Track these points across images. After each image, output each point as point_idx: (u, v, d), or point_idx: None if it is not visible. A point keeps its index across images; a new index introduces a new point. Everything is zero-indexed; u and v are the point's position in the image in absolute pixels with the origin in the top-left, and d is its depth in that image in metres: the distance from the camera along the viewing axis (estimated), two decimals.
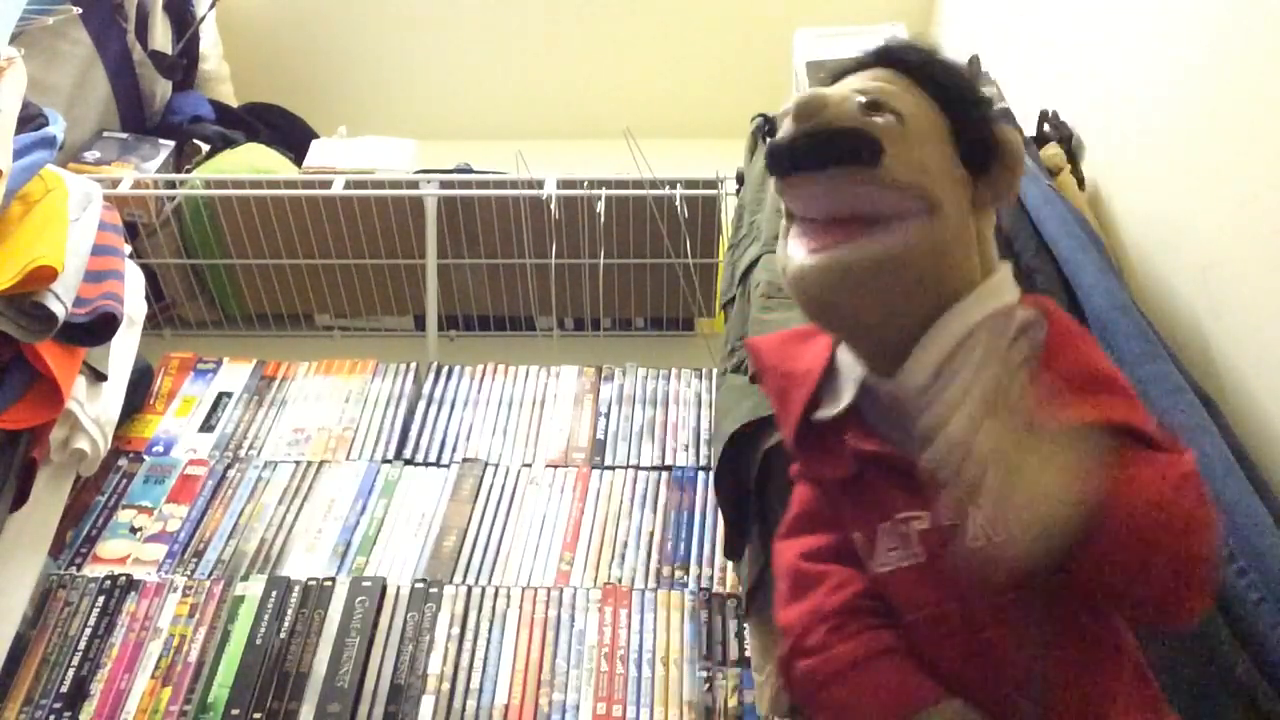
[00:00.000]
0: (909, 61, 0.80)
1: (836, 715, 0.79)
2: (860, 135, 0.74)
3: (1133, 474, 0.65)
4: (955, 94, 0.79)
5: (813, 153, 0.75)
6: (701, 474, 1.49)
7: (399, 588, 1.33)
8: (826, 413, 0.83)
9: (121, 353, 1.44)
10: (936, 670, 0.77)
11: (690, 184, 1.75)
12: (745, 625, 1.26)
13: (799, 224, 0.79)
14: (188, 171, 1.90)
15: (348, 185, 1.75)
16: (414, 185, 1.77)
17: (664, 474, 1.50)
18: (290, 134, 2.16)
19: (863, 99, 0.76)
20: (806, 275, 0.76)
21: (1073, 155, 1.50)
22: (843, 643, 0.79)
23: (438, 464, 1.53)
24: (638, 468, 1.51)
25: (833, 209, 0.76)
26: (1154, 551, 0.65)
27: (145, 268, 1.69)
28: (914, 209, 0.74)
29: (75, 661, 1.26)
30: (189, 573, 1.37)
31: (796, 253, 0.78)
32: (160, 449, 1.55)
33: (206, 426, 1.59)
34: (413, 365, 1.69)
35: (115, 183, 1.73)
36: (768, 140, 0.80)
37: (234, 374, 1.68)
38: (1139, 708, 0.76)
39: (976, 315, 0.76)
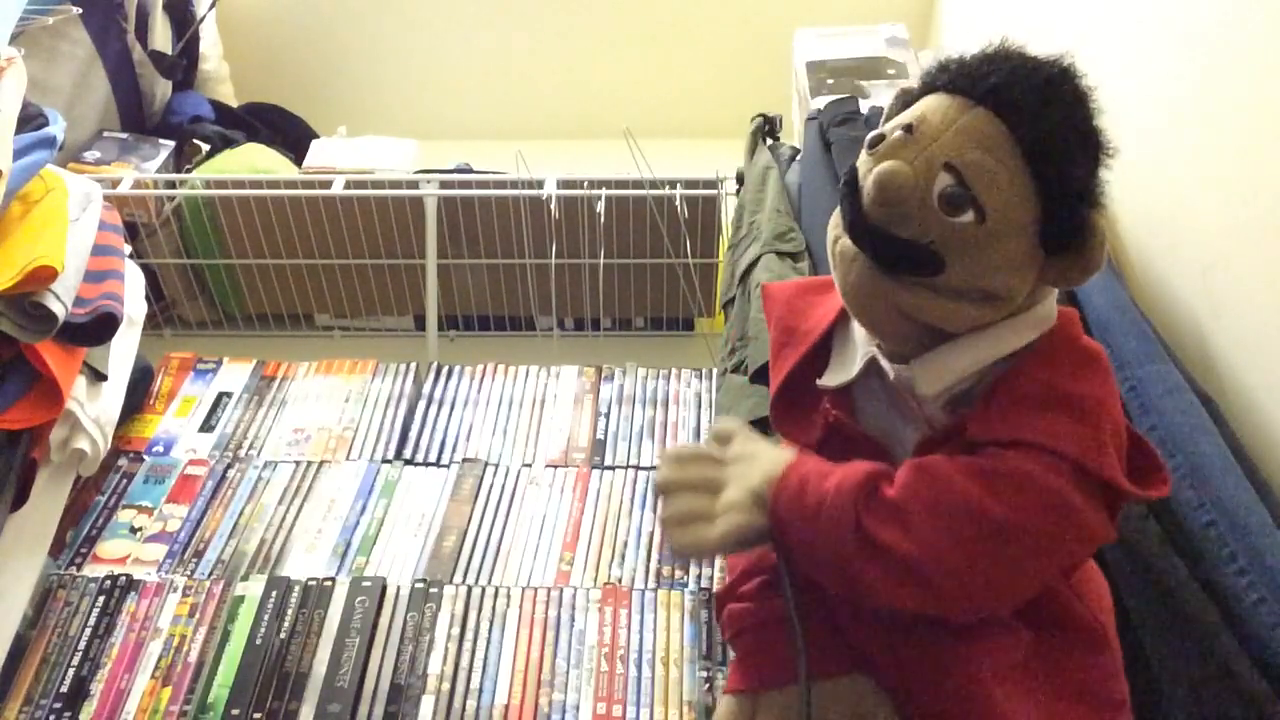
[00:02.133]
0: (1027, 120, 0.69)
1: (745, 663, 0.82)
2: (925, 254, 0.69)
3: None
4: (1063, 178, 0.70)
5: (874, 252, 0.71)
6: None
7: (399, 588, 1.33)
8: (832, 380, 0.83)
9: (121, 353, 1.44)
10: (861, 649, 0.78)
11: (690, 184, 1.75)
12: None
13: None
14: (188, 171, 1.90)
15: (348, 185, 1.75)
16: (414, 185, 1.77)
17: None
18: (290, 134, 2.16)
19: (949, 183, 0.68)
20: (851, 258, 0.73)
21: None
22: (770, 599, 0.82)
23: (438, 464, 1.53)
24: (638, 468, 1.51)
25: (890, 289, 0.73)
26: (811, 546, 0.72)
27: (145, 268, 1.69)
28: (972, 297, 0.71)
29: (75, 661, 1.26)
30: (189, 573, 1.37)
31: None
32: (160, 449, 1.55)
33: (206, 426, 1.59)
34: (413, 365, 1.69)
35: (115, 183, 1.73)
36: (845, 183, 0.74)
37: (234, 374, 1.68)
38: (1041, 691, 0.76)
39: (1009, 346, 0.74)
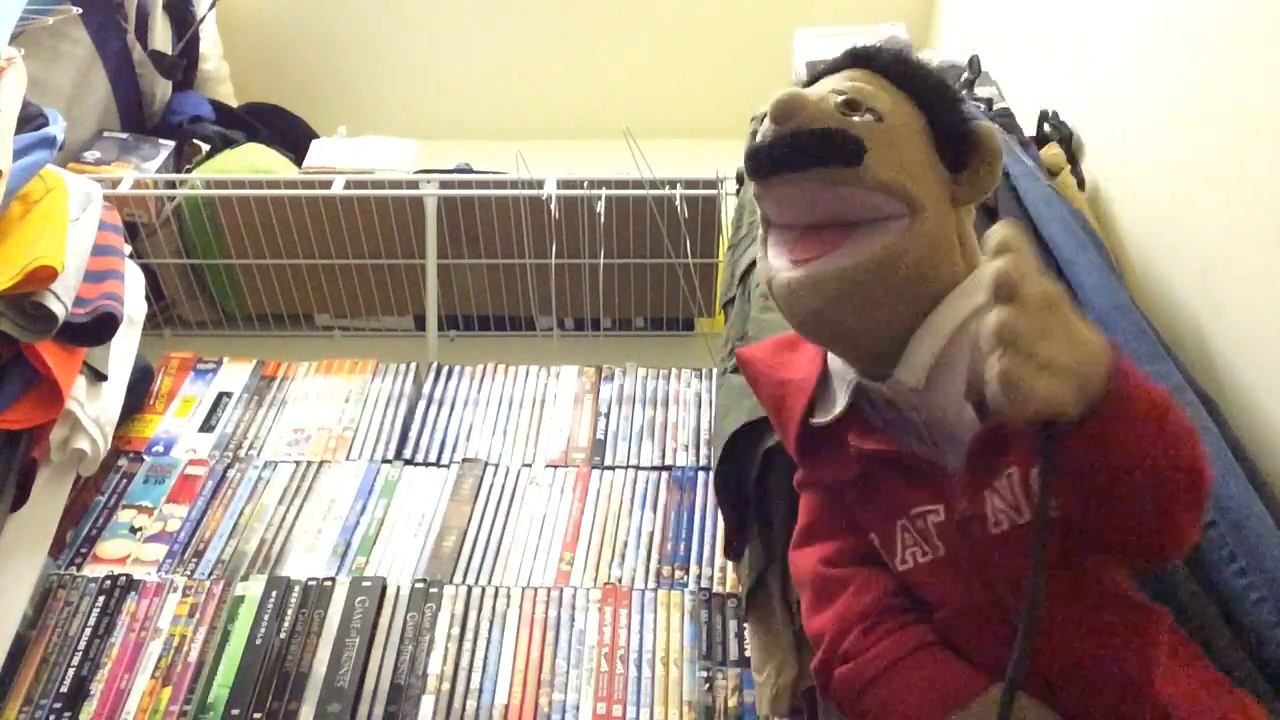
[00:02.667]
0: (881, 61, 0.80)
1: (880, 717, 0.76)
2: (841, 135, 0.73)
3: (1133, 371, 0.63)
4: (930, 92, 0.79)
5: (793, 154, 0.73)
6: (701, 474, 1.49)
7: (399, 588, 1.33)
8: (823, 418, 0.83)
9: (121, 353, 1.44)
10: (977, 660, 0.75)
11: (690, 184, 1.75)
12: (745, 625, 1.26)
13: (776, 231, 0.79)
14: (188, 171, 1.90)
15: (348, 185, 1.75)
16: (414, 185, 1.77)
17: (664, 474, 1.50)
18: (290, 134, 2.16)
19: (840, 98, 0.76)
20: (794, 289, 0.75)
21: (1073, 155, 1.50)
22: (878, 643, 0.77)
23: (438, 464, 1.53)
24: (638, 468, 1.51)
25: (813, 213, 0.75)
26: (1150, 445, 0.61)
27: (145, 268, 1.69)
28: (896, 211, 0.73)
29: (75, 661, 1.26)
30: (189, 573, 1.37)
31: (779, 264, 0.77)
32: (160, 449, 1.55)
33: (206, 426, 1.59)
34: (413, 365, 1.70)
35: (115, 183, 1.73)
36: (747, 148, 0.79)
37: (234, 374, 1.68)
38: (1183, 667, 0.75)
39: (963, 312, 0.75)
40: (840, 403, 0.81)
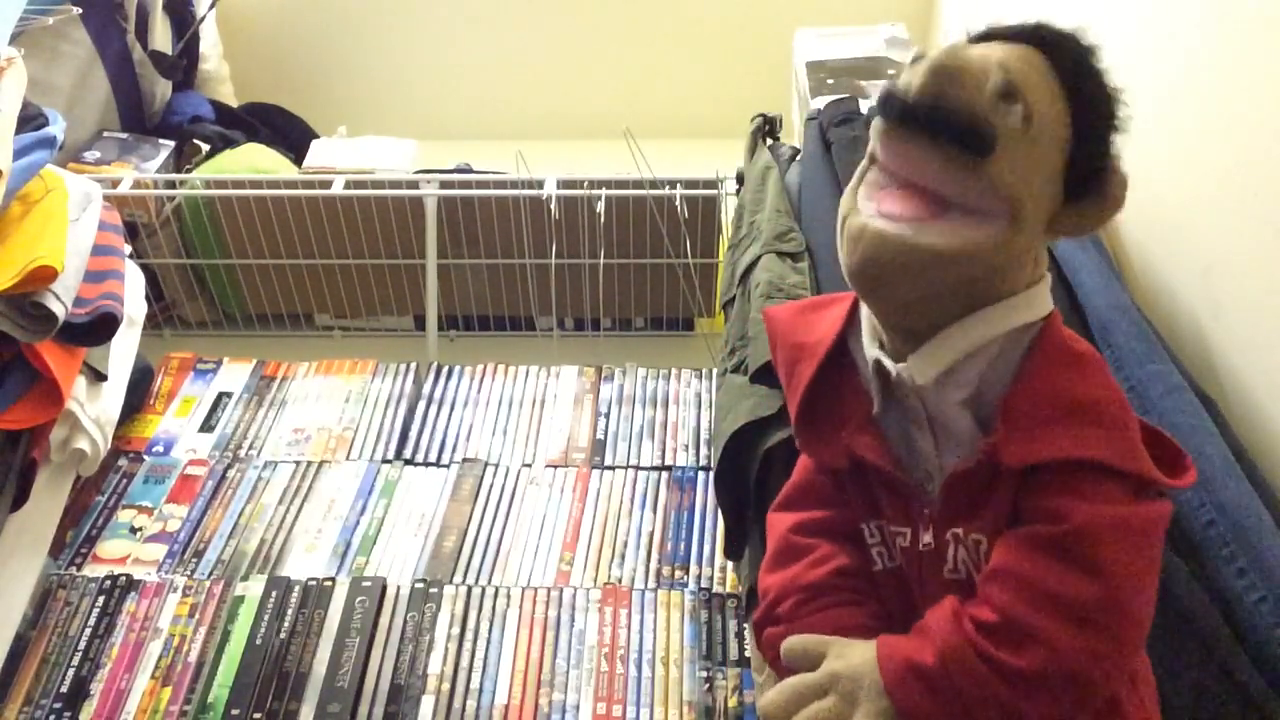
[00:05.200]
0: (1065, 55, 0.74)
1: None
2: (979, 126, 0.70)
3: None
4: (1094, 111, 0.74)
5: (929, 122, 0.71)
6: (701, 474, 1.49)
7: (399, 588, 1.33)
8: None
9: (121, 353, 1.44)
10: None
11: (690, 184, 1.75)
12: (745, 625, 1.26)
13: (879, 173, 0.76)
14: (188, 171, 1.90)
15: (348, 185, 1.75)
16: (414, 185, 1.77)
17: (664, 474, 1.50)
18: (290, 134, 2.16)
19: (1002, 80, 0.70)
20: (871, 239, 0.73)
21: None
22: (810, 616, 0.81)
23: (438, 464, 1.53)
24: (638, 468, 1.51)
25: (922, 178, 0.72)
26: None
27: (145, 268, 1.69)
28: (999, 212, 0.71)
29: (75, 661, 1.26)
30: (189, 573, 1.37)
31: (868, 208, 0.74)
32: (160, 449, 1.55)
33: (206, 426, 1.59)
34: (413, 365, 1.70)
35: (115, 183, 1.73)
36: (888, 84, 0.74)
37: (234, 374, 1.68)
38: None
39: (1002, 326, 0.74)
40: (875, 396, 0.81)
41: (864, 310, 0.82)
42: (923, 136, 0.71)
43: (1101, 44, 0.76)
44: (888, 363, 0.78)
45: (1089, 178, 0.75)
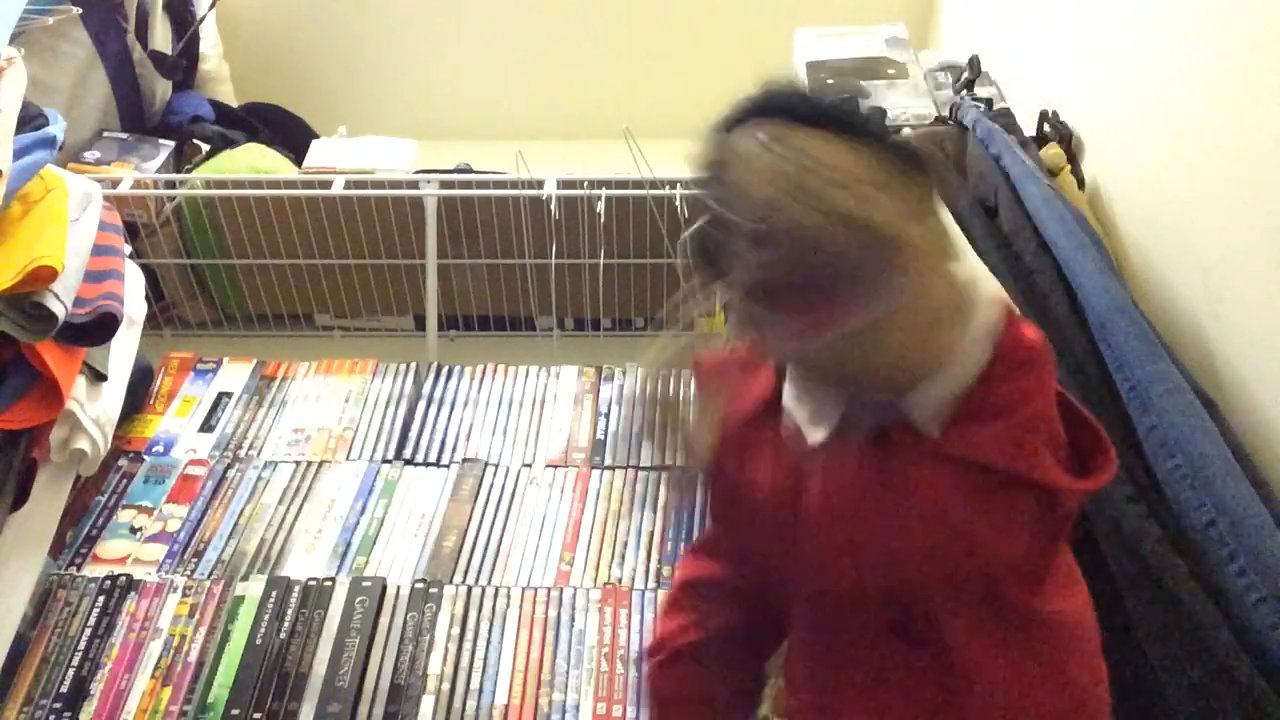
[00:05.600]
0: (799, 113, 0.73)
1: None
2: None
3: None
4: (850, 124, 0.72)
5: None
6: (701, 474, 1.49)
7: (399, 588, 1.33)
8: (813, 437, 0.80)
9: (121, 353, 1.44)
10: None
11: (690, 184, 1.74)
12: None
13: None
14: (188, 171, 1.90)
15: (348, 185, 1.75)
16: (414, 185, 1.77)
17: (664, 474, 1.50)
18: (290, 134, 2.16)
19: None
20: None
21: (1073, 155, 1.50)
22: (665, 676, 0.95)
23: (438, 464, 1.53)
24: (638, 468, 1.51)
25: None
26: None
27: (145, 268, 1.69)
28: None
29: (75, 661, 1.26)
30: (189, 573, 1.37)
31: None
32: (160, 449, 1.55)
33: (206, 426, 1.59)
34: (413, 365, 1.69)
35: (115, 183, 1.73)
36: None
37: (234, 374, 1.68)
38: None
39: (979, 354, 0.73)
40: (826, 426, 0.79)
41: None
42: None
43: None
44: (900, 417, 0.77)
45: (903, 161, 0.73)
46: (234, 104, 2.25)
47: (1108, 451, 0.77)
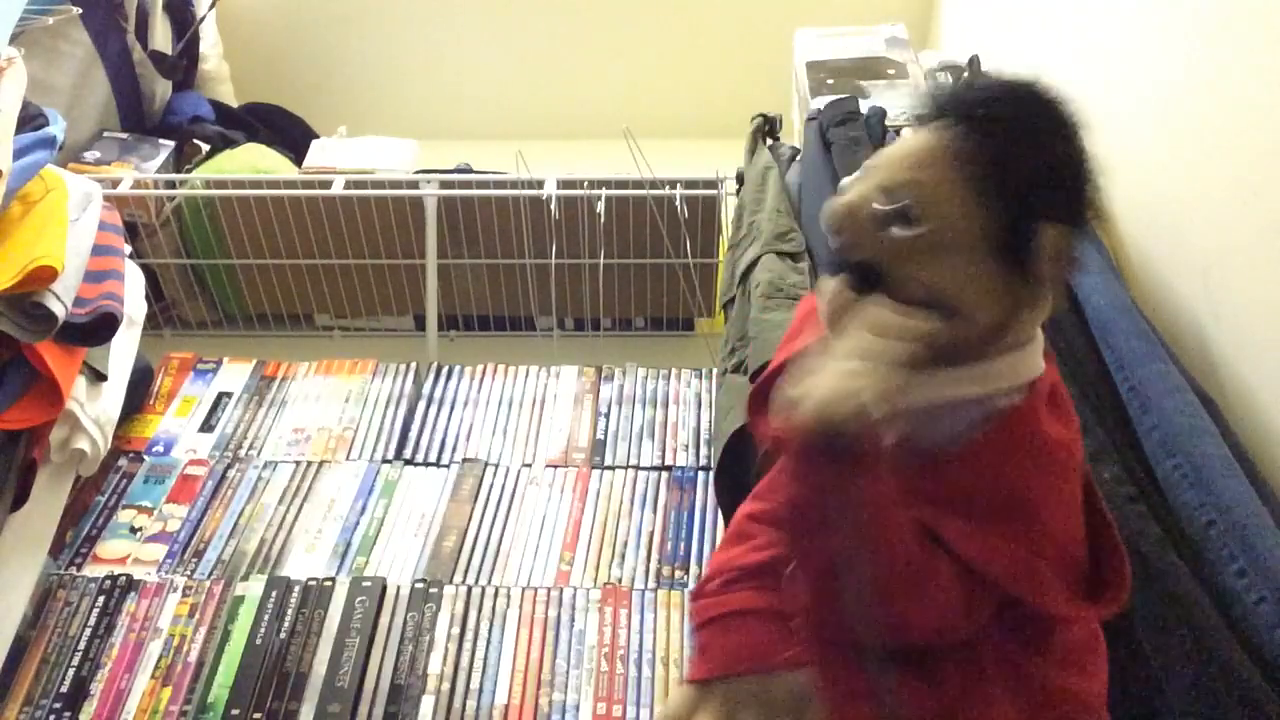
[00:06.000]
0: (992, 136, 0.70)
1: (701, 654, 0.84)
2: (860, 267, 0.72)
3: None
4: (1001, 184, 0.69)
5: (836, 267, 0.74)
6: (701, 474, 1.49)
7: (399, 588, 1.33)
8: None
9: (121, 353, 1.44)
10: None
11: (690, 184, 1.75)
12: None
13: None
14: (188, 171, 1.90)
15: (348, 185, 1.75)
16: (414, 185, 1.77)
17: (664, 474, 1.50)
18: (290, 134, 2.16)
19: (880, 209, 0.70)
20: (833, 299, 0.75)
21: None
22: (727, 595, 0.84)
23: (438, 464, 1.53)
24: (638, 468, 1.51)
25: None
26: None
27: (145, 268, 1.69)
28: (933, 308, 0.70)
29: (75, 661, 1.26)
30: (189, 573, 1.37)
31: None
32: (160, 449, 1.55)
33: (206, 426, 1.59)
34: (413, 365, 1.69)
35: (115, 183, 1.73)
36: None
37: (234, 374, 1.68)
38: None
39: (973, 390, 0.72)
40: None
41: None
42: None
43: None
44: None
45: (1020, 252, 0.70)
46: (234, 104, 2.25)
47: (1123, 581, 0.75)
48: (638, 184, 1.73)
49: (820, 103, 1.60)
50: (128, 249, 1.52)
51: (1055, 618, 0.74)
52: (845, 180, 0.76)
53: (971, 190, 0.69)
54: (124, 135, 1.93)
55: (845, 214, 0.72)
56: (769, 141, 1.64)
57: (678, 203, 1.73)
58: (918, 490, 0.72)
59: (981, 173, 0.69)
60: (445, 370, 1.69)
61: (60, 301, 1.19)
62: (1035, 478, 0.73)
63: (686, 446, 1.55)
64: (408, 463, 1.53)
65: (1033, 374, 0.75)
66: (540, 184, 1.74)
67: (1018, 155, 0.70)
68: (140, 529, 1.43)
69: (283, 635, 1.27)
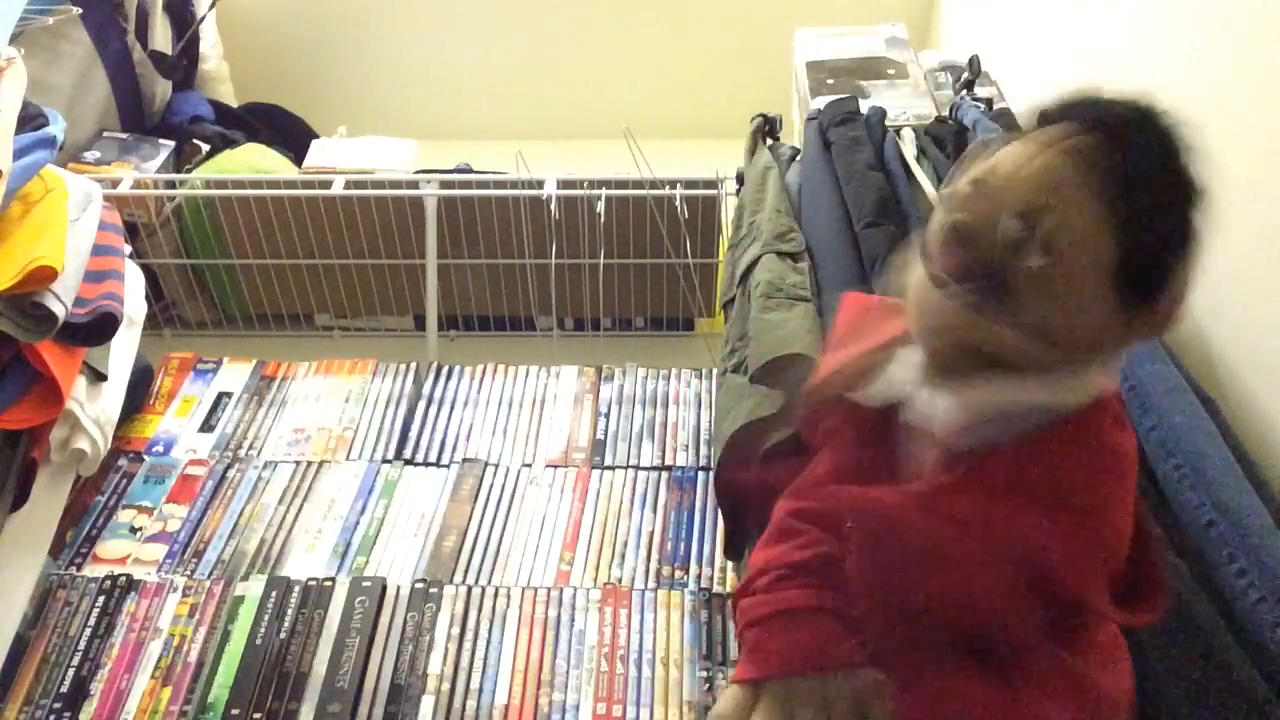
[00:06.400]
0: (1122, 151, 0.67)
1: (753, 653, 0.80)
2: (995, 280, 0.68)
3: None
4: (1143, 221, 0.66)
5: (949, 270, 0.71)
6: (701, 474, 1.49)
7: (399, 588, 1.33)
8: (872, 396, 0.82)
9: (121, 353, 1.44)
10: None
11: (690, 184, 1.75)
12: None
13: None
14: (188, 171, 1.90)
15: (348, 185, 1.75)
16: (414, 185, 1.77)
17: (664, 474, 1.50)
18: (290, 134, 2.16)
19: (1013, 230, 0.68)
20: (930, 300, 0.72)
21: None
22: (779, 592, 0.81)
23: (438, 464, 1.53)
24: (638, 468, 1.51)
25: (953, 320, 0.71)
26: None
27: (145, 268, 1.69)
28: (1034, 350, 0.69)
29: (75, 661, 1.26)
30: (189, 573, 1.37)
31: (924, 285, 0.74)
32: (160, 449, 1.55)
33: (206, 426, 1.59)
34: (413, 365, 1.69)
35: (115, 183, 1.73)
36: (926, 234, 0.74)
37: (234, 374, 1.68)
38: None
39: (1038, 398, 0.72)
40: (893, 393, 0.81)
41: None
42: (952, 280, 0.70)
43: (1191, 128, 0.69)
44: (916, 388, 0.78)
45: (1154, 281, 0.68)
46: (234, 104, 2.26)
47: (1164, 593, 0.75)
48: (638, 184, 1.73)
49: (820, 103, 1.60)
50: (128, 249, 1.52)
51: (1095, 616, 0.74)
52: (942, 189, 0.74)
53: (1107, 216, 0.66)
54: (124, 135, 1.93)
55: (978, 231, 0.69)
56: (769, 141, 1.64)
57: (678, 203, 1.73)
58: (986, 479, 0.72)
59: (1116, 192, 0.66)
60: (445, 370, 1.69)
61: (60, 301, 1.19)
62: (1099, 476, 0.73)
63: (686, 446, 1.55)
64: (408, 463, 1.53)
65: (1104, 390, 0.74)
66: (540, 184, 1.74)
67: (1153, 173, 0.67)
68: (140, 529, 1.43)
69: (283, 635, 1.27)
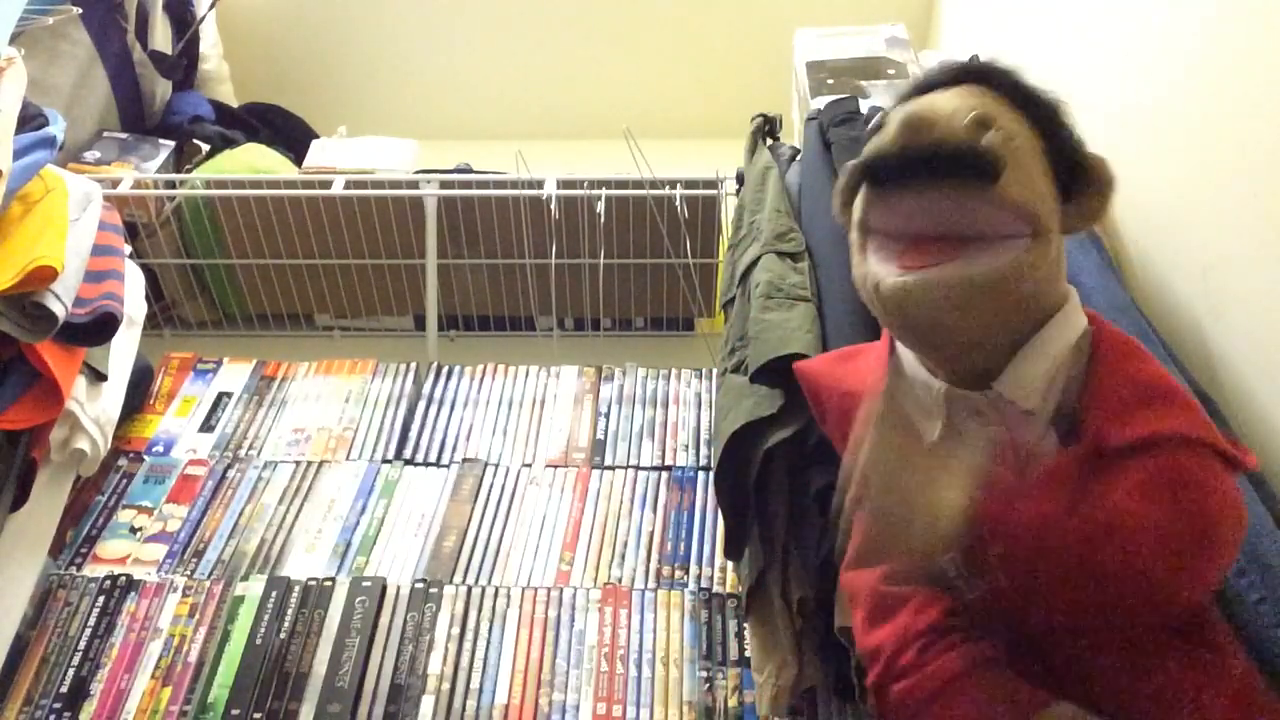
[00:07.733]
0: (999, 79, 0.79)
1: None
2: (980, 153, 0.72)
3: (1014, 496, 0.70)
4: (1048, 114, 0.79)
5: (929, 166, 0.73)
6: (701, 474, 1.49)
7: (399, 588, 1.33)
8: (930, 434, 0.81)
9: (121, 353, 1.44)
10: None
11: (690, 184, 1.75)
12: (745, 625, 1.26)
13: (882, 239, 0.77)
14: (188, 171, 1.90)
15: (348, 185, 1.75)
16: (414, 185, 1.77)
17: (664, 474, 1.50)
18: (290, 134, 2.16)
19: (971, 114, 0.75)
20: (910, 293, 0.73)
21: None
22: (937, 658, 0.76)
23: (438, 464, 1.53)
24: (638, 468, 1.51)
25: (935, 225, 0.73)
26: (1041, 564, 0.69)
27: (145, 268, 1.69)
28: (1018, 230, 0.73)
29: (75, 661, 1.26)
30: (189, 573, 1.37)
31: (886, 271, 0.75)
32: (160, 449, 1.55)
33: (206, 426, 1.59)
34: (413, 365, 1.70)
35: (115, 183, 1.73)
36: (867, 150, 0.79)
37: (234, 374, 1.68)
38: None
39: (1071, 336, 0.78)
40: (938, 417, 0.81)
41: (906, 352, 0.83)
42: (922, 184, 0.73)
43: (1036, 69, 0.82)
44: (965, 392, 0.78)
45: (1073, 172, 0.78)
46: (234, 104, 2.25)
47: (1237, 438, 0.80)
48: (638, 184, 1.73)
49: (820, 103, 1.60)
50: (128, 249, 1.52)
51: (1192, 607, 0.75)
52: (883, 114, 0.81)
53: (1021, 117, 0.77)
54: (124, 135, 1.93)
55: (934, 115, 0.75)
56: (769, 141, 1.64)
57: (678, 203, 1.73)
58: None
59: (1023, 101, 0.78)
60: (445, 370, 1.69)
61: (60, 301, 1.19)
62: (1150, 364, 0.80)
63: (686, 446, 1.55)
64: (408, 463, 1.53)
65: (1082, 326, 0.80)
66: (540, 184, 1.74)
67: (1034, 93, 0.79)
68: (140, 529, 1.43)
69: (283, 635, 1.27)
